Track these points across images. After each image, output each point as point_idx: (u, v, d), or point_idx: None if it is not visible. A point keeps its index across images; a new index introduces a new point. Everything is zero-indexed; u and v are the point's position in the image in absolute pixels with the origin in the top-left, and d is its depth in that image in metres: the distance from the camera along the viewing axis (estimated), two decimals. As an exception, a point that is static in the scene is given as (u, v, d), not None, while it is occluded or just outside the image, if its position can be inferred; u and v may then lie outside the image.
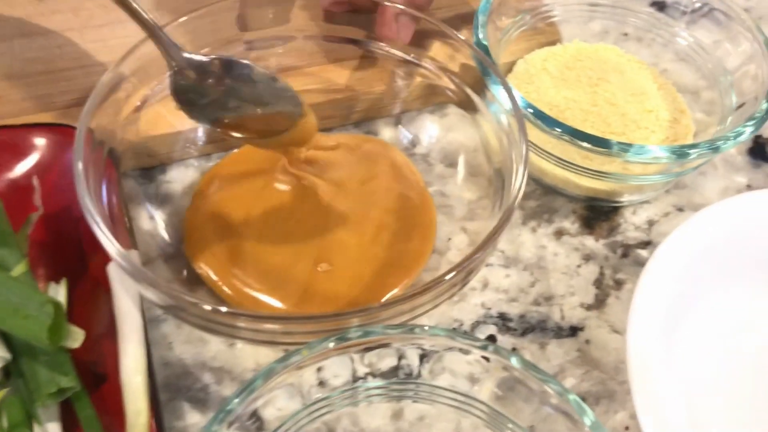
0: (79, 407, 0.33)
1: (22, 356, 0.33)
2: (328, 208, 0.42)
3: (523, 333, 0.40)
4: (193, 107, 0.38)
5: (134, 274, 0.32)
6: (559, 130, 0.39)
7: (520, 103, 0.39)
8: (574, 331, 0.40)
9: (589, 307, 0.41)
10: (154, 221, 0.42)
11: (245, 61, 0.37)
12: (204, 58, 0.37)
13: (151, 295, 0.33)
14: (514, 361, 0.29)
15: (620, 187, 0.43)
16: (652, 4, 0.51)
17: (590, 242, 0.44)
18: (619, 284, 0.42)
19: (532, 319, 0.41)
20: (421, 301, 0.32)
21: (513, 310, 0.41)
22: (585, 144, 0.39)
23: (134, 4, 0.35)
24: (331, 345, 0.30)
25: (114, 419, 0.33)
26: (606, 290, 0.42)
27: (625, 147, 0.38)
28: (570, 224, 0.45)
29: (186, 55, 0.36)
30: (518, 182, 0.35)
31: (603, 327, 0.41)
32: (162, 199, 0.43)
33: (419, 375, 0.33)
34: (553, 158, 0.42)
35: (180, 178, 0.44)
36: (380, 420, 0.36)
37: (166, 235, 0.41)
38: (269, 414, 0.31)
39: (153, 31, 0.36)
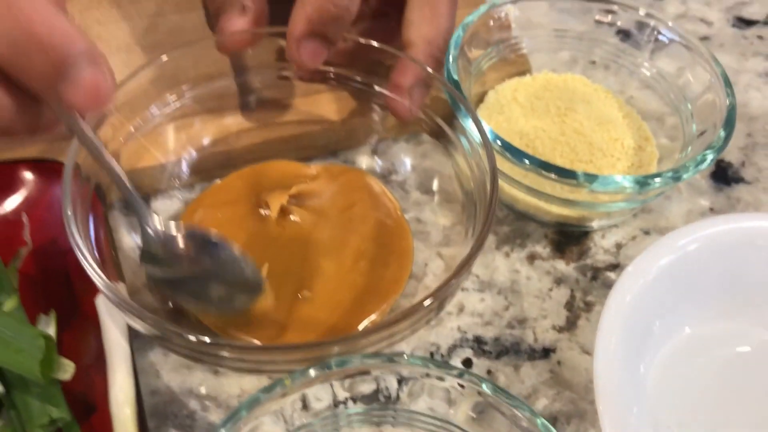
0: (70, 438, 0.34)
1: (15, 389, 0.34)
2: (308, 236, 0.43)
3: (498, 356, 0.42)
4: (156, 273, 0.38)
5: (121, 306, 0.33)
6: (527, 161, 0.41)
7: (489, 135, 0.41)
8: (546, 352, 0.42)
9: (560, 329, 0.43)
10: (139, 251, 0.43)
11: (216, 240, 0.38)
12: (174, 233, 0.37)
13: (137, 325, 0.34)
14: (485, 387, 0.31)
15: (588, 213, 0.45)
16: (618, 33, 0.53)
17: (561, 266, 0.46)
18: (589, 306, 0.44)
19: (506, 342, 0.43)
20: (399, 328, 0.34)
21: (488, 333, 0.43)
22: (552, 175, 0.41)
23: (119, 175, 0.36)
24: (313, 374, 0.31)
25: (105, 447, 0.34)
26: (577, 312, 0.44)
27: (591, 177, 0.40)
28: (542, 248, 0.47)
29: (157, 226, 0.37)
30: (488, 210, 0.37)
31: (574, 348, 0.43)
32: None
33: (398, 399, 0.34)
34: (523, 187, 0.44)
35: (164, 209, 0.46)
36: (361, 442, 0.38)
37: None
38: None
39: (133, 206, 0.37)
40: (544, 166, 0.41)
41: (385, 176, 0.48)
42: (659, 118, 0.51)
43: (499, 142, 0.41)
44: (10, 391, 0.34)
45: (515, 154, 0.41)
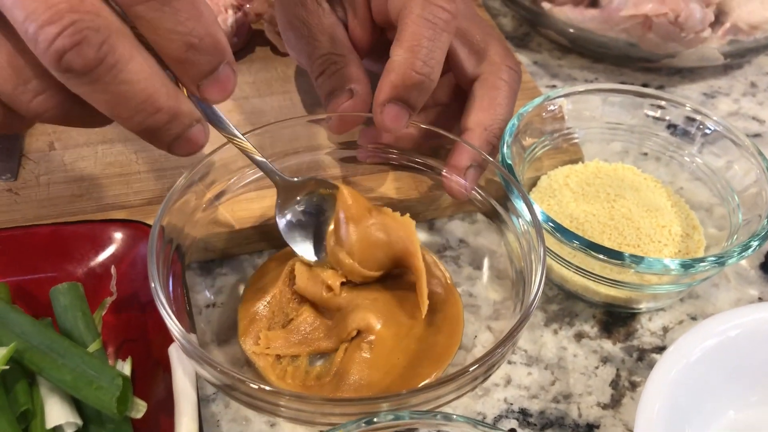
0: (137, 475, 0.36)
1: (91, 423, 0.37)
2: (370, 302, 0.45)
3: (543, 428, 0.43)
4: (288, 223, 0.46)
5: (193, 354, 0.37)
6: (576, 242, 0.43)
7: (539, 216, 0.43)
8: (590, 428, 0.43)
9: (605, 407, 0.44)
10: (211, 308, 0.47)
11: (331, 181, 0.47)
12: (296, 179, 0.46)
13: (206, 373, 0.37)
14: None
15: (636, 295, 0.46)
16: (668, 127, 0.56)
17: (608, 345, 0.47)
18: (634, 386, 0.45)
19: (551, 416, 0.44)
20: (446, 390, 0.36)
21: (533, 406, 0.44)
22: (600, 255, 0.43)
23: (245, 144, 0.43)
24: (364, 426, 0.33)
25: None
26: (622, 391, 0.45)
27: (637, 258, 0.42)
28: (589, 328, 0.48)
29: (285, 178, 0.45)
30: (536, 287, 0.39)
31: (618, 426, 0.43)
32: (218, 290, 0.48)
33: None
34: (573, 267, 0.46)
35: (234, 271, 0.49)
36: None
37: (225, 316, 0.46)
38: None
39: (262, 167, 0.44)
40: (592, 247, 0.43)
41: (440, 251, 0.51)
42: (708, 209, 0.53)
43: (550, 223, 0.44)
44: (87, 425, 0.37)
45: (565, 234, 0.43)
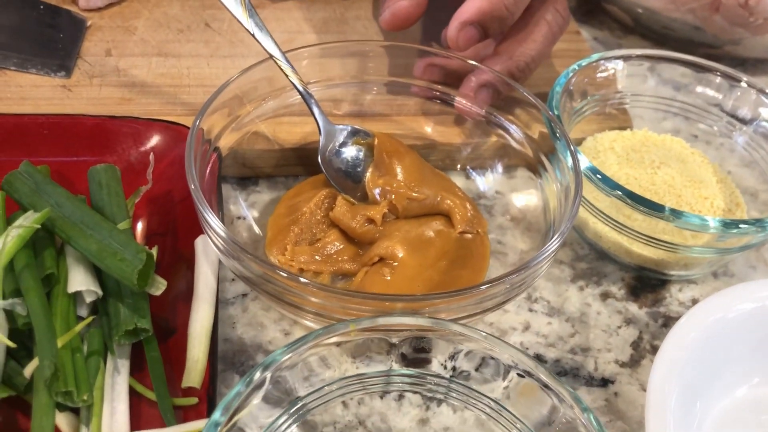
0: (148, 349, 0.37)
1: (111, 296, 0.37)
2: (400, 233, 0.45)
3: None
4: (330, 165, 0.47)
5: (226, 242, 0.37)
6: (617, 190, 0.42)
7: (583, 163, 0.43)
8: (605, 382, 0.42)
9: (623, 365, 0.43)
10: (242, 220, 0.47)
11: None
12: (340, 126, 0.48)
13: (236, 263, 0.37)
14: (532, 367, 0.32)
15: (669, 257, 0.45)
16: (723, 111, 0.54)
17: (634, 308, 0.46)
18: (655, 349, 0.44)
19: (566, 365, 0.43)
20: (461, 301, 0.35)
21: (549, 354, 0.43)
22: (640, 206, 0.42)
23: (293, 79, 0.45)
24: (376, 323, 0.33)
25: (174, 366, 0.37)
26: (642, 353, 0.44)
27: (677, 212, 0.41)
28: (617, 290, 0.47)
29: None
30: (566, 222, 0.39)
31: (634, 384, 0.42)
32: (250, 204, 0.49)
33: (452, 372, 0.36)
34: (610, 221, 0.45)
35: (269, 189, 0.50)
36: (408, 423, 0.39)
37: (255, 230, 0.46)
38: (303, 382, 0.34)
39: (307, 101, 0.46)
40: (632, 197, 0.42)
41: (476, 199, 0.51)
42: (753, 193, 0.52)
43: (590, 170, 0.43)
44: (106, 298, 0.38)
45: (606, 181, 0.43)
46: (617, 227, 0.45)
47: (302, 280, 0.35)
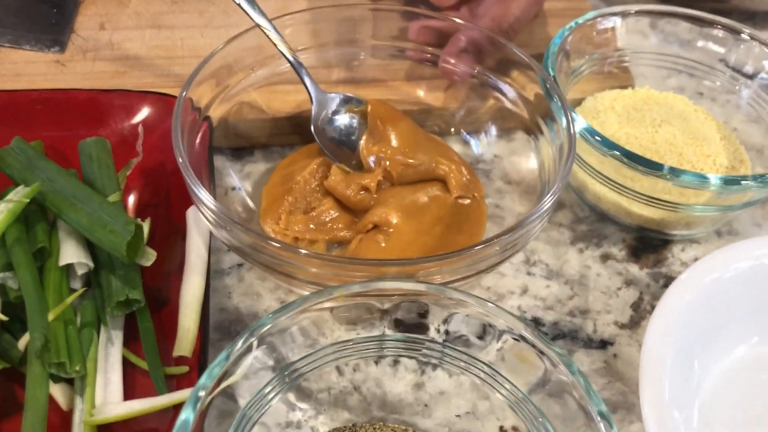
0: (141, 320, 0.37)
1: (103, 268, 0.38)
2: (395, 200, 0.45)
3: (554, 338, 0.42)
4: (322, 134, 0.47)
5: (215, 213, 0.36)
6: (614, 151, 0.42)
7: (580, 124, 0.42)
8: (603, 344, 0.42)
9: (622, 326, 0.43)
10: (236, 191, 0.47)
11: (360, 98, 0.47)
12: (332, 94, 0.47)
13: (226, 235, 0.37)
14: (525, 331, 0.32)
15: (670, 216, 0.44)
16: (728, 66, 0.53)
17: (634, 270, 0.46)
18: (656, 310, 0.44)
19: (564, 328, 0.43)
20: (455, 264, 0.35)
21: (547, 317, 0.43)
22: (639, 166, 0.41)
23: (282, 48, 0.45)
24: (364, 288, 0.33)
25: (167, 336, 0.37)
26: (642, 314, 0.43)
27: (677, 171, 0.40)
28: (618, 251, 0.47)
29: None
30: (559, 180, 0.38)
31: (633, 345, 0.42)
32: (245, 175, 0.48)
33: (445, 336, 0.36)
34: (609, 182, 0.44)
35: (264, 159, 0.49)
36: (403, 387, 0.39)
37: (249, 201, 0.46)
38: (294, 348, 0.34)
39: (297, 69, 0.45)
40: (630, 156, 0.41)
41: (473, 164, 0.50)
42: (760, 150, 0.50)
43: (587, 130, 0.42)
44: (98, 270, 0.38)
45: (603, 142, 0.42)
46: (617, 188, 0.44)
47: (292, 248, 0.35)
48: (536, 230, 0.38)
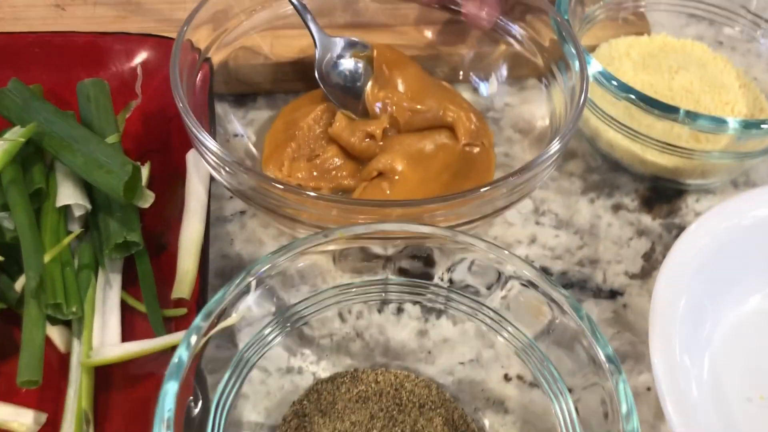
0: (139, 263, 0.36)
1: (100, 211, 0.37)
2: (401, 147, 0.44)
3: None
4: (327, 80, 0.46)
5: (218, 155, 0.35)
6: (630, 94, 0.40)
7: (595, 67, 0.40)
8: (613, 294, 0.41)
9: (633, 276, 0.42)
10: (238, 138, 0.46)
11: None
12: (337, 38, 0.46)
13: (228, 178, 0.36)
14: (533, 276, 0.31)
15: (685, 164, 0.43)
16: (749, 13, 0.51)
17: (647, 220, 0.44)
18: (668, 260, 0.42)
19: (573, 278, 0.42)
20: (460, 207, 0.34)
21: (556, 266, 0.42)
22: (654, 110, 0.40)
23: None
24: (366, 230, 0.32)
25: (167, 280, 0.36)
26: (654, 264, 0.42)
27: (693, 115, 0.39)
28: (630, 201, 0.45)
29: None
30: (571, 122, 0.37)
31: (643, 296, 0.41)
32: (248, 122, 0.47)
33: (451, 286, 0.35)
34: (622, 128, 0.43)
35: (268, 106, 0.48)
36: (406, 335, 0.38)
37: (252, 147, 0.45)
38: (293, 291, 0.33)
39: (300, 12, 0.44)
40: (645, 100, 0.40)
41: (483, 112, 0.49)
42: (781, 99, 0.49)
43: (602, 74, 0.41)
44: (96, 212, 0.37)
45: (620, 86, 0.40)
46: (631, 135, 0.43)
47: (295, 189, 0.34)
48: (545, 174, 0.37)
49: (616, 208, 0.45)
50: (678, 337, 0.33)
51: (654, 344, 0.32)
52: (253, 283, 0.31)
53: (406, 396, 0.34)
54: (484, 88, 0.49)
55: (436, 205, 0.33)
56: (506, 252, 0.32)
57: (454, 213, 0.34)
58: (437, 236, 0.32)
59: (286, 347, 0.35)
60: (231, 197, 0.44)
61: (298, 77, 0.48)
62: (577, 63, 0.41)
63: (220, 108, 0.47)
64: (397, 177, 0.42)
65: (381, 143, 0.44)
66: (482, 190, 0.34)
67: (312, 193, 0.34)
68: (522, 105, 0.48)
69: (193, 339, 0.28)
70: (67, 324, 0.35)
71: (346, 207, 0.34)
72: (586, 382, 0.31)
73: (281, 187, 0.34)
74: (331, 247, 0.33)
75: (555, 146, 0.36)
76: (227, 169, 0.36)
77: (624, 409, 0.28)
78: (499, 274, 0.33)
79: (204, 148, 0.36)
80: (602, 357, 0.29)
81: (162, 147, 0.43)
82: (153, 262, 0.37)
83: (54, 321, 0.35)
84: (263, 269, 0.31)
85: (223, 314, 0.30)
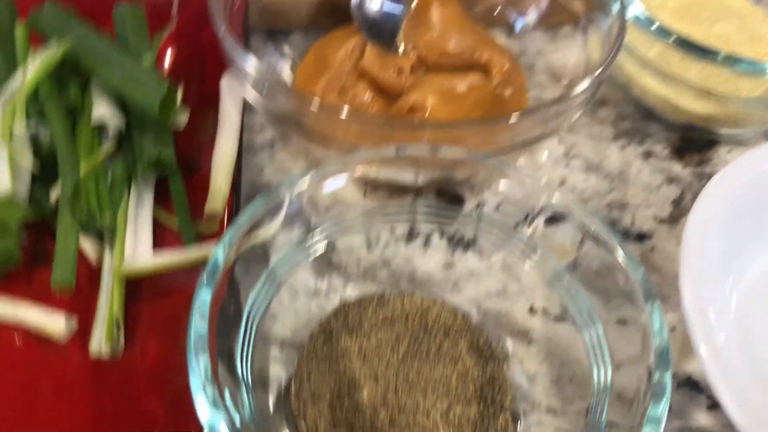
0: (172, 182, 0.37)
1: (135, 128, 0.37)
2: (433, 84, 0.43)
3: (590, 230, 0.41)
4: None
5: (258, 73, 0.35)
6: (670, 36, 0.40)
7: (633, 10, 0.40)
8: (641, 237, 0.41)
9: (661, 221, 0.41)
10: (269, 71, 0.46)
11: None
12: None
13: (264, 100, 0.36)
14: (566, 204, 0.31)
15: (719, 112, 0.42)
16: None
17: (677, 168, 0.44)
18: (697, 208, 0.42)
19: (601, 220, 0.41)
20: (493, 134, 0.34)
21: (584, 209, 0.42)
22: (694, 52, 0.39)
23: None
24: (402, 150, 0.32)
25: (198, 203, 0.37)
26: (683, 211, 0.42)
27: (734, 59, 0.38)
28: (661, 149, 0.45)
29: None
30: (608, 60, 0.36)
31: (671, 240, 0.41)
32: (281, 57, 0.47)
33: (480, 215, 0.35)
34: (657, 74, 0.42)
35: (301, 41, 0.48)
36: (433, 266, 0.38)
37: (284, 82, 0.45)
38: (323, 213, 0.34)
39: None
40: (685, 43, 0.39)
41: (518, 57, 0.48)
42: (820, 54, 0.48)
43: (641, 18, 0.40)
44: (130, 131, 0.37)
45: (658, 29, 0.40)
46: (666, 80, 0.42)
47: (332, 107, 0.34)
48: (578, 110, 0.37)
49: (647, 155, 0.45)
50: (708, 275, 0.33)
51: (684, 279, 0.32)
52: (287, 199, 0.31)
53: (432, 320, 0.34)
54: (519, 32, 0.49)
55: (467, 128, 0.33)
56: (540, 180, 0.32)
57: (485, 140, 0.34)
58: (468, 162, 0.32)
59: (313, 270, 0.36)
60: (261, 129, 0.44)
61: (333, 12, 0.48)
62: (616, 4, 0.40)
63: (253, 42, 0.47)
64: (428, 114, 0.42)
65: (412, 80, 0.44)
66: (514, 116, 0.33)
67: (347, 111, 0.34)
68: (556, 52, 0.48)
69: (229, 246, 0.28)
70: (100, 237, 0.35)
71: (380, 126, 0.34)
72: (618, 313, 0.31)
73: (318, 103, 0.34)
74: (361, 172, 0.33)
75: (589, 81, 0.36)
76: (266, 88, 0.36)
77: (656, 338, 0.27)
78: (532, 202, 0.33)
79: (243, 70, 0.36)
80: (637, 285, 0.29)
81: (195, 74, 0.43)
82: (185, 185, 0.37)
83: (86, 232, 0.35)
84: (296, 186, 0.31)
85: (257, 226, 0.30)
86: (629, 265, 0.29)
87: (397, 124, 0.34)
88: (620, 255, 0.30)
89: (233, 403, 0.25)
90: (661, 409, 0.25)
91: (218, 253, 0.28)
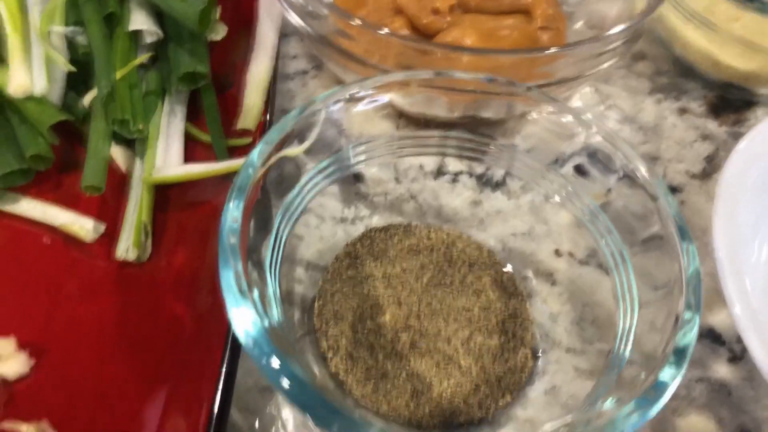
0: (206, 96, 0.36)
1: (171, 41, 0.37)
2: (471, 24, 0.43)
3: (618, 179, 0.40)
4: None
5: None
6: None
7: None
8: (672, 190, 0.40)
9: (693, 176, 0.41)
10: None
11: None
12: None
13: (304, 17, 0.36)
14: (606, 139, 0.30)
15: (761, 70, 0.42)
16: None
17: (713, 126, 0.43)
18: (730, 166, 0.42)
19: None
20: (529, 63, 0.33)
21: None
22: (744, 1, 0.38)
23: None
24: (439, 75, 0.31)
25: (230, 117, 0.36)
26: (715, 167, 0.42)
27: (780, 8, 0.38)
28: (697, 106, 0.44)
29: None
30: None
31: (702, 195, 0.40)
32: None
33: (514, 150, 0.34)
34: (704, 25, 0.41)
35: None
36: (460, 203, 0.38)
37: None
38: (352, 133, 0.33)
39: None
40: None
41: (558, 3, 0.47)
42: None
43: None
44: (166, 42, 0.37)
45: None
46: (710, 34, 0.41)
47: (372, 26, 0.34)
48: (616, 54, 0.36)
49: (682, 111, 0.44)
50: (740, 229, 0.33)
51: (717, 225, 0.32)
52: (323, 114, 0.31)
53: (457, 254, 0.34)
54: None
55: (503, 56, 0.33)
56: (579, 113, 0.32)
57: (520, 75, 0.34)
58: (506, 90, 0.32)
59: (341, 198, 0.36)
60: (295, 57, 0.44)
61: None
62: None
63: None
64: (465, 52, 0.41)
65: (449, 19, 0.43)
66: (552, 49, 0.33)
67: (386, 30, 0.33)
68: (599, 2, 0.47)
69: (261, 157, 0.28)
70: (130, 146, 0.35)
71: (418, 49, 0.33)
72: (650, 254, 0.30)
73: (359, 22, 0.33)
74: (395, 97, 0.32)
75: (629, 24, 0.35)
76: (308, 3, 0.35)
77: (691, 276, 0.27)
78: (570, 137, 0.32)
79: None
80: (671, 224, 0.29)
81: None
82: (218, 100, 0.37)
83: (118, 140, 0.35)
84: (330, 101, 0.30)
85: (292, 134, 0.30)
86: (667, 205, 0.29)
87: (434, 47, 0.33)
88: (661, 195, 0.29)
89: (262, 306, 0.25)
90: (689, 342, 0.25)
91: (253, 159, 0.27)
